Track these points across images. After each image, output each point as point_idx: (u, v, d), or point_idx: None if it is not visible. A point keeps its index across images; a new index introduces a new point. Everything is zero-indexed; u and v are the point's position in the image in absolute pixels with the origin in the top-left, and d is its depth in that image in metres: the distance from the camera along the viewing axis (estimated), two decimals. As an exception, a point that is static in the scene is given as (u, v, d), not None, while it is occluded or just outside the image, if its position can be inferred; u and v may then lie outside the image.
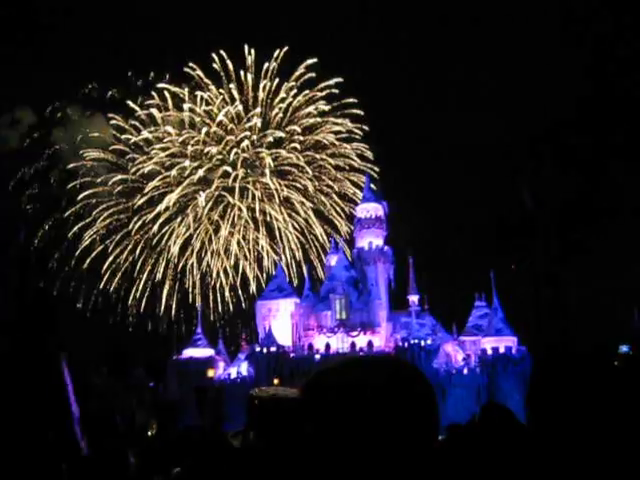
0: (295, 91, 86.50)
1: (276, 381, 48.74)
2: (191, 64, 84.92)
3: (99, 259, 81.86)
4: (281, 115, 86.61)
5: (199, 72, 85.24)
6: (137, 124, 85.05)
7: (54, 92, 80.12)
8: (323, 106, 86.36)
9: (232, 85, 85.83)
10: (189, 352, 61.50)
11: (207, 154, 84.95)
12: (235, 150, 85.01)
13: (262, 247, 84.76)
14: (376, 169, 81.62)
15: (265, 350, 57.71)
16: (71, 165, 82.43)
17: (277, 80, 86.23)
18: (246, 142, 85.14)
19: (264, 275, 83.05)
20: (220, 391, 55.73)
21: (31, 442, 1.44)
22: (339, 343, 58.02)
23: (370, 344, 57.78)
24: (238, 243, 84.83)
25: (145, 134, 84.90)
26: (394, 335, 58.27)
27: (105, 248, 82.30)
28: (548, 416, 1.46)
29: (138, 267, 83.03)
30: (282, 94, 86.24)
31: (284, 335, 59.61)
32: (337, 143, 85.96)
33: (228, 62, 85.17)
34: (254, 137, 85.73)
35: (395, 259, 64.39)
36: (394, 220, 66.63)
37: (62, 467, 1.46)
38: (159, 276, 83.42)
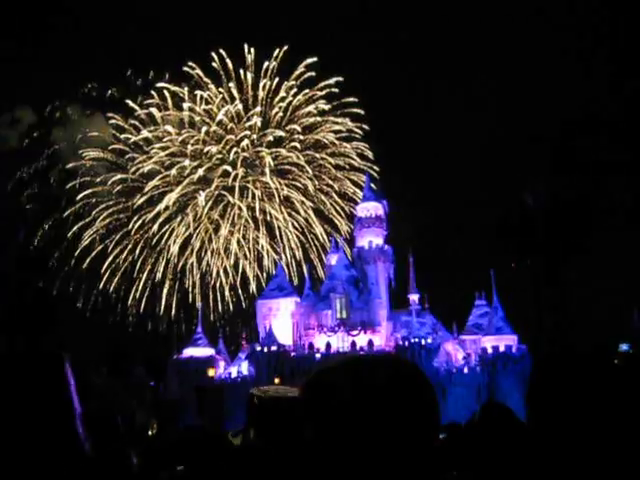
0: (295, 90, 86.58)
1: (277, 380, 48.76)
2: (190, 63, 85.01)
3: (99, 259, 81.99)
4: (281, 114, 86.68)
5: (199, 71, 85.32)
6: (137, 123, 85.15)
7: (54, 91, 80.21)
8: (323, 105, 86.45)
9: (232, 84, 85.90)
10: (189, 351, 61.51)
11: (207, 153, 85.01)
12: (235, 149, 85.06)
13: (262, 246, 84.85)
14: (376, 168, 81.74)
15: (266, 349, 57.74)
16: (71, 164, 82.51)
17: (277, 79, 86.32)
18: (246, 141, 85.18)
19: (264, 274, 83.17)
20: (220, 390, 55.76)
21: (33, 442, 1.43)
22: (339, 342, 58.03)
23: (370, 343, 57.80)
24: (238, 242, 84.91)
25: (145, 133, 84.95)
26: (394, 334, 58.29)
27: (105, 248, 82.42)
28: (548, 415, 1.46)
29: (138, 267, 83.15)
30: (282, 93, 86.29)
31: (284, 334, 59.64)
32: (337, 142, 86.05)
33: (228, 61, 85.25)
34: (254, 136, 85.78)
35: (395, 258, 64.45)
36: (394, 219, 66.71)
37: (65, 467, 1.45)
38: (159, 276, 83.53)
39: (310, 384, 1.38)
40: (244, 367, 60.24)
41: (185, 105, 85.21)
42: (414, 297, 62.50)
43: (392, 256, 64.02)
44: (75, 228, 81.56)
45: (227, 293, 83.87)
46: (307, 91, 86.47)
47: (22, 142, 79.25)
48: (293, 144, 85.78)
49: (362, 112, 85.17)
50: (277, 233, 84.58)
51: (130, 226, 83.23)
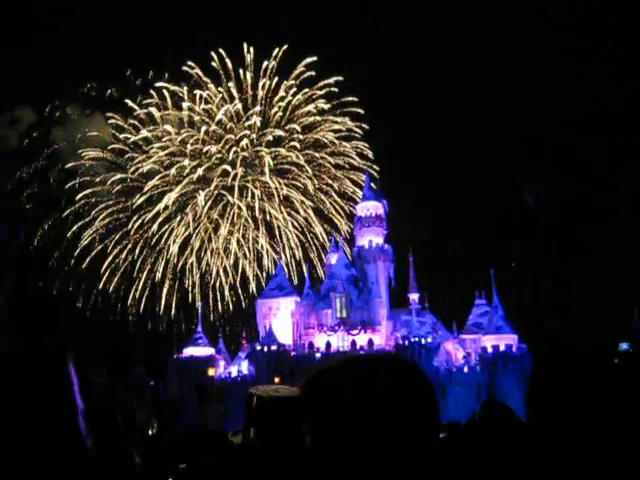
0: (294, 89, 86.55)
1: (277, 380, 48.75)
2: (190, 63, 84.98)
3: (98, 258, 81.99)
4: (280, 114, 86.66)
5: (198, 71, 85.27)
6: (136, 123, 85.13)
7: (53, 91, 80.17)
8: (323, 104, 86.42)
9: (231, 84, 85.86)
10: (189, 351, 61.52)
11: (206, 153, 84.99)
12: (234, 149, 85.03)
13: (262, 246, 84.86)
14: (376, 167, 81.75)
15: (266, 349, 57.74)
16: (70, 164, 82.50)
17: (276, 78, 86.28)
18: (245, 141, 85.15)
19: (264, 274, 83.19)
20: (221, 390, 55.78)
21: (36, 439, 1.43)
22: (340, 341, 58.03)
23: (370, 342, 57.79)
24: (238, 242, 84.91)
25: (144, 133, 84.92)
26: (394, 333, 58.29)
27: (104, 247, 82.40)
28: (548, 414, 1.46)
29: (137, 266, 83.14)
30: (281, 92, 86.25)
31: (285, 334, 59.64)
32: (337, 142, 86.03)
33: (227, 60, 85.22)
34: (253, 136, 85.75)
35: (395, 257, 64.46)
36: (394, 218, 66.71)
37: (68, 465, 1.46)
38: (159, 275, 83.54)
39: (310, 384, 1.38)
40: (244, 366, 60.26)
41: (184, 105, 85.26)
42: (414, 296, 62.51)
43: (392, 255, 64.02)
44: (75, 228, 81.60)
45: (227, 293, 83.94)
46: (306, 90, 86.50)
47: (22, 142, 79.25)
48: (293, 143, 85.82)
49: (362, 111, 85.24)
50: (277, 233, 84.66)
51: (130, 226, 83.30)
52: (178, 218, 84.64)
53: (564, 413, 1.43)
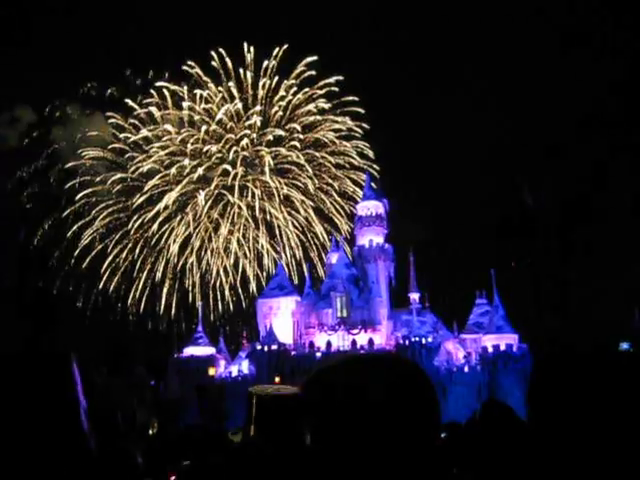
0: (295, 89, 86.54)
1: (277, 379, 48.77)
2: (190, 62, 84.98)
3: (99, 258, 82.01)
4: (281, 113, 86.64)
5: (198, 70, 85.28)
6: (136, 122, 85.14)
7: (53, 91, 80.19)
8: (323, 104, 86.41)
9: (231, 83, 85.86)
10: (190, 350, 61.53)
11: (206, 152, 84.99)
12: (235, 148, 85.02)
13: (262, 245, 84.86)
14: (376, 167, 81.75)
15: (266, 348, 57.75)
16: (70, 164, 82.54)
17: (277, 78, 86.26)
18: (246, 140, 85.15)
19: (264, 274, 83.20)
20: (221, 389, 55.81)
21: (40, 438, 1.43)
22: (340, 341, 58.03)
23: (371, 342, 57.79)
24: (238, 242, 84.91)
25: (144, 132, 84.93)
26: (395, 333, 58.29)
27: (104, 247, 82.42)
28: (548, 413, 1.46)
29: (138, 266, 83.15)
30: (282, 92, 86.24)
31: (285, 333, 59.65)
32: (337, 141, 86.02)
33: (227, 60, 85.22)
34: (254, 135, 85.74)
35: (396, 257, 64.44)
36: (395, 218, 66.70)
37: (72, 465, 1.46)
38: (159, 275, 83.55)
39: (310, 383, 1.38)
40: (245, 366, 60.27)
41: (185, 104, 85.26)
42: (415, 296, 62.52)
43: (393, 255, 64.02)
44: (75, 227, 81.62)
45: (227, 292, 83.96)
46: (307, 90, 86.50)
47: (22, 141, 79.36)
48: (293, 143, 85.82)
49: (362, 111, 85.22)
50: (277, 232, 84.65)
51: (130, 225, 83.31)
52: (178, 218, 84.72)
53: (564, 413, 1.43)
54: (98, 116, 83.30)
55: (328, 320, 59.45)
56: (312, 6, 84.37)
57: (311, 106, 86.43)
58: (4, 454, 1.36)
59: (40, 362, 1.48)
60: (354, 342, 57.74)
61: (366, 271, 62.28)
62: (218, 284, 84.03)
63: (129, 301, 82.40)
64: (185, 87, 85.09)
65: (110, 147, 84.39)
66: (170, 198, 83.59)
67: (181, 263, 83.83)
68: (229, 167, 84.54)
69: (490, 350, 56.12)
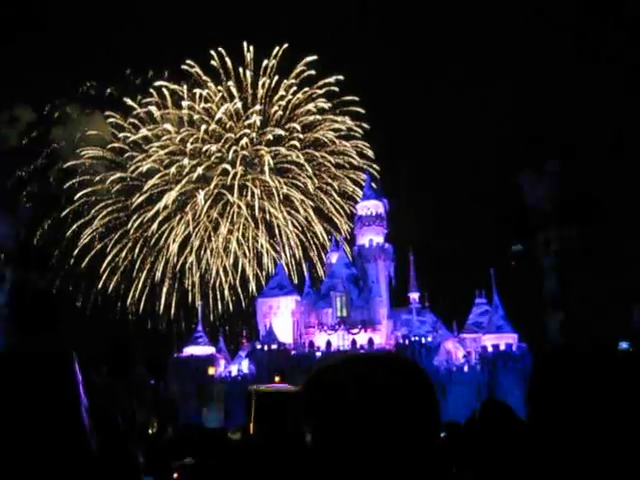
0: (295, 88, 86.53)
1: (277, 379, 48.70)
2: (189, 61, 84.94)
3: (98, 257, 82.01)
4: (280, 112, 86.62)
5: (198, 69, 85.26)
6: (136, 122, 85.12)
7: (53, 90, 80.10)
8: (323, 104, 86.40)
9: (231, 82, 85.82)
10: (190, 350, 61.54)
11: (206, 152, 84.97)
12: (234, 148, 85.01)
13: (261, 245, 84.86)
14: (376, 167, 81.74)
15: (266, 347, 57.79)
16: (70, 163, 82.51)
17: (276, 77, 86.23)
18: (245, 140, 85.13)
19: (263, 273, 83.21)
20: (221, 389, 55.86)
21: (42, 437, 1.44)
22: (340, 340, 58.06)
23: (371, 341, 57.82)
24: (237, 241, 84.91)
25: (144, 132, 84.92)
26: (395, 332, 58.32)
27: (104, 246, 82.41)
28: (548, 413, 1.46)
29: (137, 265, 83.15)
30: (281, 91, 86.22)
31: (285, 332, 59.68)
32: (337, 141, 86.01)
33: (227, 59, 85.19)
34: (253, 135, 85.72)
35: (396, 256, 64.46)
36: (395, 217, 66.70)
37: (73, 465, 1.46)
38: (158, 274, 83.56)
39: (311, 383, 1.38)
40: (244, 365, 60.29)
41: (184, 103, 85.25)
42: (414, 295, 62.54)
43: (392, 254, 64.03)
44: (74, 227, 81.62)
45: (227, 292, 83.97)
46: (307, 89, 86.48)
47: (21, 141, 79.27)
48: (292, 143, 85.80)
49: (362, 111, 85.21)
50: (277, 232, 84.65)
51: (129, 225, 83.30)
52: (178, 217, 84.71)
53: (564, 412, 1.43)
54: (97, 115, 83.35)
55: (328, 320, 59.47)
56: (312, 5, 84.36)
57: (311, 106, 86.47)
58: (5, 453, 1.36)
59: (41, 361, 1.49)
60: (354, 342, 57.76)
61: (366, 271, 62.30)
62: (218, 284, 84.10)
63: (129, 300, 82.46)
64: (185, 86, 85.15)
65: (109, 146, 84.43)
66: (169, 197, 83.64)
67: (181, 263, 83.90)
68: (229, 166, 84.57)
69: (490, 350, 56.15)
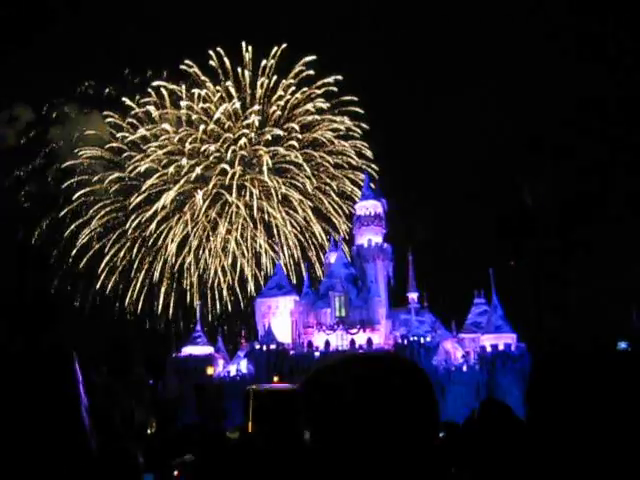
0: (293, 88, 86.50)
1: (276, 378, 48.77)
2: (188, 61, 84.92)
3: (96, 257, 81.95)
4: (279, 112, 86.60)
5: (196, 69, 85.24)
6: (134, 122, 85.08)
7: (51, 90, 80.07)
8: (321, 104, 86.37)
9: (229, 82, 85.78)
10: (188, 350, 61.50)
11: (204, 152, 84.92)
12: (233, 148, 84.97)
13: (260, 245, 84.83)
14: (375, 167, 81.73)
15: (264, 347, 57.76)
16: (68, 163, 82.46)
17: (275, 77, 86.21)
18: (244, 139, 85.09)
19: (262, 273, 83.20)
20: (219, 389, 55.80)
21: (42, 436, 1.44)
22: (338, 340, 58.04)
23: (369, 341, 57.81)
24: (236, 241, 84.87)
25: (142, 132, 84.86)
26: (393, 332, 58.31)
27: (102, 246, 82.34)
28: (547, 412, 1.47)
29: (135, 265, 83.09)
30: (280, 91, 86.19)
31: (283, 332, 59.66)
32: (335, 141, 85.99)
33: (225, 59, 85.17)
34: (252, 134, 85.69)
35: (394, 256, 64.45)
36: (393, 217, 66.69)
37: (73, 465, 1.46)
38: (157, 274, 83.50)
39: (309, 382, 1.38)
40: (243, 365, 60.27)
41: (183, 103, 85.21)
42: (413, 295, 62.52)
43: (391, 254, 64.02)
44: (72, 227, 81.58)
45: (225, 292, 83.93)
46: (305, 89, 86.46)
47: (20, 140, 79.28)
48: (291, 143, 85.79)
49: (361, 111, 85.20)
50: (275, 232, 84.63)
51: (127, 225, 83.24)
52: (176, 217, 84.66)
53: (563, 412, 1.43)
54: (96, 115, 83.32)
55: (327, 320, 59.46)
56: (311, 6, 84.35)
57: (309, 106, 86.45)
58: (5, 452, 1.36)
59: (41, 360, 1.49)
60: (353, 342, 57.75)
61: (365, 271, 62.28)
62: (216, 283, 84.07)
63: (127, 300, 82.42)
64: (183, 86, 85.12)
65: (108, 146, 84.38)
66: (168, 197, 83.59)
67: (179, 263, 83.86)
68: (227, 166, 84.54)
69: (489, 350, 56.16)
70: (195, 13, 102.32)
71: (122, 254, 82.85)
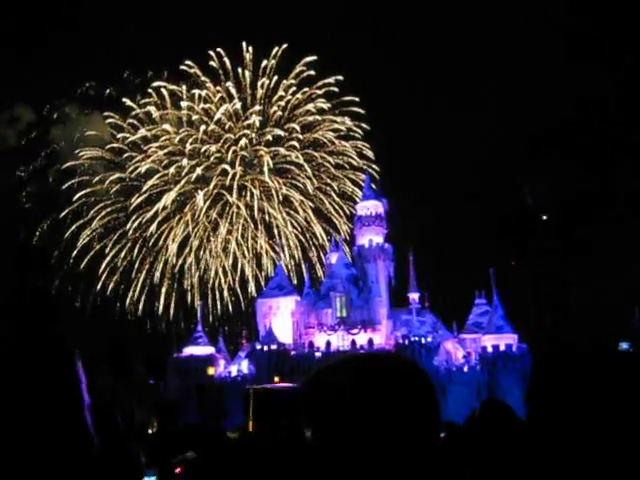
0: (294, 89, 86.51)
1: (276, 379, 48.76)
2: (188, 62, 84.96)
3: (97, 258, 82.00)
4: (280, 113, 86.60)
5: (197, 70, 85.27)
6: (135, 122, 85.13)
7: (52, 90, 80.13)
8: (322, 104, 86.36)
9: (230, 83, 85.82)
10: (190, 350, 61.52)
11: (205, 152, 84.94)
12: (233, 148, 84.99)
13: (261, 246, 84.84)
14: (376, 167, 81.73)
15: (266, 348, 57.76)
16: (69, 163, 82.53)
17: (276, 78, 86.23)
18: (244, 140, 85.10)
19: (263, 274, 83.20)
20: (220, 389, 55.81)
21: (45, 434, 1.44)
22: (339, 341, 58.03)
23: (370, 342, 57.79)
24: (237, 242, 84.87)
25: (143, 132, 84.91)
26: (394, 333, 58.29)
27: (103, 247, 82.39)
28: (548, 413, 1.47)
29: (136, 266, 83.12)
30: (281, 92, 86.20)
31: (285, 333, 59.66)
32: (336, 141, 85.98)
33: (226, 60, 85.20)
34: (252, 135, 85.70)
35: (395, 256, 64.44)
36: (394, 218, 66.67)
37: (76, 463, 1.46)
38: (157, 275, 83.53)
39: (311, 382, 1.39)
40: (244, 366, 60.27)
41: (183, 104, 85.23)
42: (414, 296, 62.50)
43: (392, 254, 64.01)
44: (73, 227, 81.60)
45: (226, 292, 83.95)
46: (306, 90, 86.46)
47: (21, 141, 79.34)
48: (292, 143, 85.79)
49: (362, 111, 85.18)
50: (276, 232, 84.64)
51: (128, 225, 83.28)
52: (177, 218, 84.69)
53: (564, 412, 1.44)
54: (97, 116, 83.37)
55: (328, 320, 59.45)
56: (311, 6, 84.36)
57: (310, 106, 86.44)
58: (7, 451, 1.36)
59: (44, 359, 1.49)
60: (354, 342, 57.74)
61: (366, 271, 62.27)
62: (217, 284, 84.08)
63: (128, 301, 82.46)
64: (184, 87, 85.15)
65: (108, 147, 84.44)
66: (168, 198, 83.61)
67: (180, 263, 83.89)
68: (228, 167, 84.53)
69: (489, 350, 56.13)
70: (195, 13, 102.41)
71: (123, 254, 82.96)
